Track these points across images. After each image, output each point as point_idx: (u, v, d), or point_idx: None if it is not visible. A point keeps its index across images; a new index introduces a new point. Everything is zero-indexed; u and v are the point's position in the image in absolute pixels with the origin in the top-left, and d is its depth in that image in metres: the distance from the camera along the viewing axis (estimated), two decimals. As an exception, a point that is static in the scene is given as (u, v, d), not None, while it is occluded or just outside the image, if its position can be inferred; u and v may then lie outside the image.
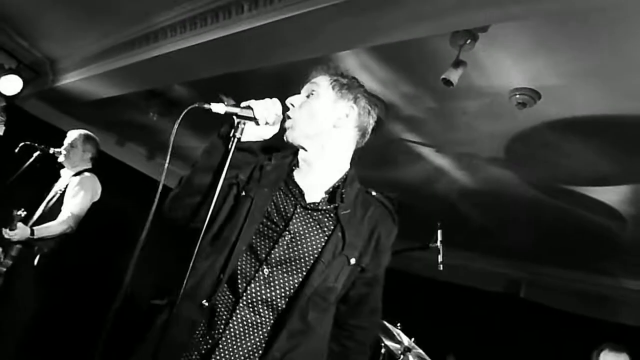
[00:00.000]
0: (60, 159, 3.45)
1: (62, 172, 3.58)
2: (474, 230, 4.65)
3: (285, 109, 1.40)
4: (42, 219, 3.24)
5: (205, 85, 3.41)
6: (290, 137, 1.39)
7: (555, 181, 3.31)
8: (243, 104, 1.31)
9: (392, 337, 3.01)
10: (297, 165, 1.41)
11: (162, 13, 3.10)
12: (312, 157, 1.39)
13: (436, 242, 3.02)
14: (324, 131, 1.38)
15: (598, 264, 4.26)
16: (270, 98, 1.36)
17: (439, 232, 3.03)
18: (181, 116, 1.24)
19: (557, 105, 2.54)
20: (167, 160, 1.27)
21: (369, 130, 1.45)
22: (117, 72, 3.72)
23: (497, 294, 4.95)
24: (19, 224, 2.97)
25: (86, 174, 3.44)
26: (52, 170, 3.74)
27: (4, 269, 3.12)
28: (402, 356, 2.92)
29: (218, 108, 1.25)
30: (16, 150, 3.40)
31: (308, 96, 1.42)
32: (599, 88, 2.34)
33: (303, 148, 1.39)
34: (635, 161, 2.76)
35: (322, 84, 1.43)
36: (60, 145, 3.51)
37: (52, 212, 3.26)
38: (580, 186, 3.24)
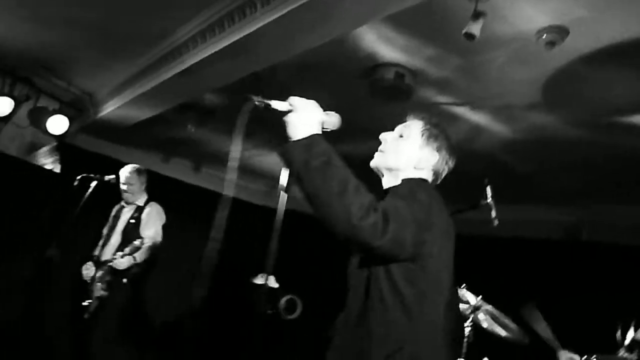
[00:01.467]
0: (127, 197, 3.98)
1: (126, 205, 4.02)
2: (523, 182, 4.55)
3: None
4: (124, 246, 3.73)
5: (233, 88, 3.50)
6: (375, 163, 1.62)
7: (598, 116, 3.20)
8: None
9: (459, 299, 3.04)
10: None
11: (180, 28, 3.22)
12: (386, 186, 1.60)
13: (487, 199, 3.00)
14: (405, 169, 1.59)
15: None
16: (299, 96, 1.45)
17: (488, 188, 3.01)
18: (244, 112, 1.35)
19: (587, 37, 2.46)
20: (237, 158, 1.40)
21: (442, 176, 1.66)
22: (149, 93, 3.89)
23: (558, 241, 4.83)
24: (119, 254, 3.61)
25: (152, 203, 4.02)
26: (109, 197, 3.99)
27: (101, 295, 3.64)
28: (472, 315, 2.95)
29: (279, 105, 1.38)
30: (75, 184, 3.65)
31: (400, 136, 1.62)
32: (630, 10, 2.25)
33: (381, 175, 1.62)
34: (681, 78, 2.63)
35: (414, 128, 1.63)
36: (113, 172, 3.76)
37: (132, 240, 3.73)
38: (625, 116, 3.12)
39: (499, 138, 3.85)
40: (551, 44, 2.45)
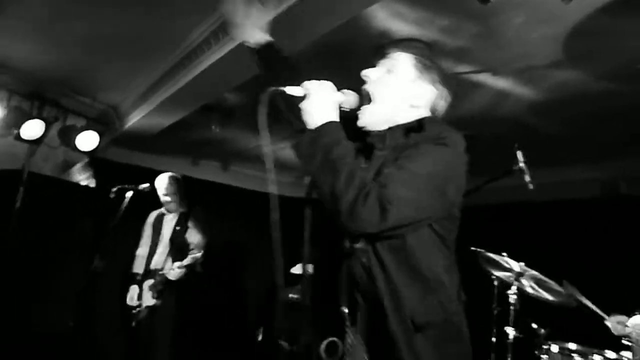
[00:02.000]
0: (168, 206, 4.12)
1: (167, 213, 4.17)
2: (554, 143, 4.45)
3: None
4: (173, 255, 3.91)
5: (252, 85, 3.52)
6: (363, 123, 1.42)
7: (622, 67, 3.09)
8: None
9: (501, 267, 3.02)
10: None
11: (193, 31, 3.26)
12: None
13: (519, 164, 2.96)
14: (400, 110, 1.41)
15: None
16: (319, 79, 1.38)
17: (519, 152, 2.96)
18: (264, 101, 1.29)
19: (605, -14, 2.39)
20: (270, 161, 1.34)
21: (440, 113, 1.48)
22: (170, 99, 3.96)
23: (596, 199, 4.71)
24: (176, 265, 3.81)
25: (196, 208, 4.15)
26: (145, 205, 4.10)
27: (154, 304, 3.82)
28: (515, 282, 2.92)
29: (295, 91, 1.33)
30: (111, 196, 3.76)
31: (388, 71, 1.43)
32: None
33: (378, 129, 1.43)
34: None
35: (402, 60, 1.43)
36: (146, 180, 3.86)
37: (180, 247, 3.94)
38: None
39: (524, 101, 3.77)
40: (569, -3, 2.38)
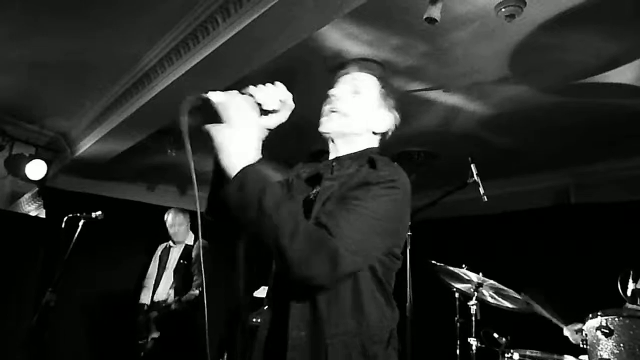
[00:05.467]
0: (176, 238, 4.20)
1: (174, 245, 4.24)
2: (506, 155, 4.62)
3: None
4: (176, 287, 3.94)
5: (207, 106, 3.49)
6: (326, 128, 1.37)
7: (568, 80, 3.26)
8: (243, 91, 1.23)
9: (461, 279, 3.07)
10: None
11: (146, 54, 3.22)
12: (337, 154, 1.39)
13: (472, 176, 3.05)
14: (361, 133, 1.38)
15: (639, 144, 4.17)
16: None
17: (472, 166, 3.05)
18: (183, 111, 1.21)
19: (544, 4, 2.51)
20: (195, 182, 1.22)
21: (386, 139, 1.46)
22: (123, 124, 3.87)
23: (548, 208, 4.90)
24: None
25: (200, 241, 3.85)
26: (99, 234, 3.95)
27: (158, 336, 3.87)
28: (475, 293, 2.98)
29: (216, 96, 1.18)
30: (62, 226, 3.60)
31: (355, 92, 1.39)
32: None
33: (332, 141, 1.39)
34: (639, 31, 2.70)
35: (367, 83, 1.41)
36: (99, 208, 3.72)
37: (184, 280, 3.98)
38: (593, 76, 3.18)
39: (475, 116, 3.90)
40: (511, 16, 2.49)
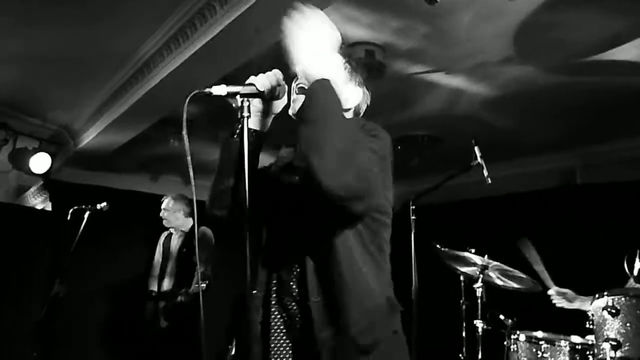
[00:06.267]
0: (166, 224, 4.03)
1: (174, 232, 4.12)
2: (511, 137, 4.57)
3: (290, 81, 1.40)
4: (181, 277, 3.87)
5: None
6: (295, 109, 1.39)
7: (572, 58, 3.21)
8: (245, 83, 1.30)
9: (466, 262, 3.06)
10: None
11: (145, 43, 3.19)
12: None
13: (476, 159, 3.02)
14: None
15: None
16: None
17: (476, 148, 3.03)
18: (185, 106, 1.28)
19: (546, -18, 2.47)
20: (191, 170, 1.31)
21: (362, 114, 1.49)
22: (125, 115, 3.86)
23: (554, 189, 4.87)
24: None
25: (201, 228, 3.92)
26: (105, 225, 3.97)
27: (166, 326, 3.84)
28: (481, 275, 2.97)
29: (219, 90, 1.24)
30: (68, 218, 3.62)
31: None
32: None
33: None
34: (644, 7, 2.65)
35: (333, 62, 1.41)
36: (104, 199, 3.74)
37: (188, 269, 3.85)
38: (597, 54, 3.13)
39: (479, 98, 3.86)
40: (512, -6, 2.45)
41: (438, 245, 3.06)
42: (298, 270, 1.29)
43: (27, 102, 4.11)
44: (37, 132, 4.54)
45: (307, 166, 1.10)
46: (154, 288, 4.01)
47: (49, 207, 5.12)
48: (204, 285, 3.75)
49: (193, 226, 4.07)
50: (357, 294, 1.22)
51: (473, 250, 3.02)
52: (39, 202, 5.46)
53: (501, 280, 3.11)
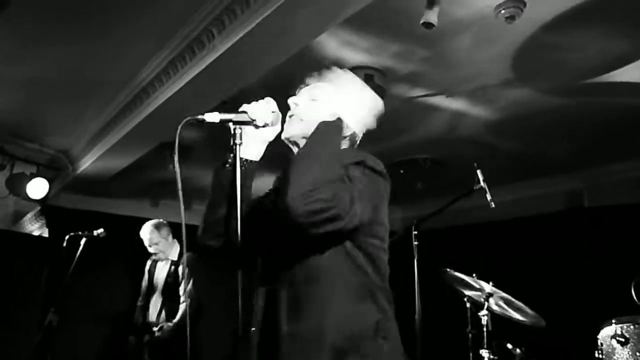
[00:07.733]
0: (161, 256, 3.89)
1: (159, 260, 3.96)
2: (515, 160, 4.54)
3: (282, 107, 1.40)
4: (167, 306, 3.73)
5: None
6: (288, 133, 1.40)
7: (573, 80, 3.19)
8: (239, 111, 1.30)
9: (472, 287, 2.98)
10: None
11: (143, 69, 3.18)
12: None
13: (479, 182, 2.97)
14: None
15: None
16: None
17: (478, 172, 2.97)
18: (178, 133, 1.26)
19: (545, 4, 2.46)
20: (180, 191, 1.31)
21: (358, 142, 1.48)
22: (124, 140, 3.84)
23: (561, 212, 4.79)
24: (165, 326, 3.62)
25: (187, 255, 3.69)
26: (102, 252, 3.90)
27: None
28: (486, 302, 2.88)
29: (212, 117, 1.24)
30: (64, 245, 3.56)
31: (313, 100, 1.44)
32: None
33: (297, 145, 1.41)
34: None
35: (325, 90, 1.45)
36: (101, 225, 3.67)
37: (174, 301, 3.72)
38: (599, 76, 3.11)
39: (481, 121, 3.83)
40: (511, 17, 2.43)
41: (445, 268, 2.98)
42: (282, 296, 1.26)
43: (24, 127, 4.09)
44: (35, 157, 4.51)
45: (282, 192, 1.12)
46: (140, 319, 3.83)
47: (46, 233, 5.07)
48: (177, 321, 3.59)
49: (181, 252, 3.86)
50: (339, 319, 1.20)
51: (477, 276, 2.94)
52: (36, 228, 5.41)
53: (504, 309, 3.01)
